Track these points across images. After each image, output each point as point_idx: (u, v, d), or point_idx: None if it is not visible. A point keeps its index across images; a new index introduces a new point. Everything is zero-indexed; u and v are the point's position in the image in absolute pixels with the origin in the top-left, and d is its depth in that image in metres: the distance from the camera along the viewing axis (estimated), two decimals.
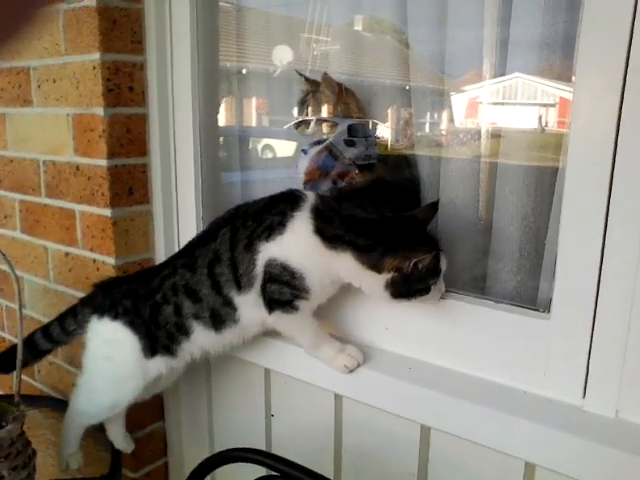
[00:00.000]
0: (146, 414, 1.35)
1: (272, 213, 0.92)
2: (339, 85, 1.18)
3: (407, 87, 1.15)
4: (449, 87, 1.11)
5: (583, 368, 0.79)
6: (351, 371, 0.95)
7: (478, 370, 0.90)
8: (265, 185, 1.37)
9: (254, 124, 1.55)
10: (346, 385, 0.98)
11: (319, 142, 1.17)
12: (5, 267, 1.18)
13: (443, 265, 0.87)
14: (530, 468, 0.82)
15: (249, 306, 0.93)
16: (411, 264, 0.83)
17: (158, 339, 1.00)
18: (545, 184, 0.93)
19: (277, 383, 1.13)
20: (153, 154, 1.24)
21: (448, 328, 0.93)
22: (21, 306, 1.06)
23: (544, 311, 0.84)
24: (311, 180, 1.14)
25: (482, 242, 1.00)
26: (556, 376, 0.82)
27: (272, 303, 0.92)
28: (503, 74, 1.02)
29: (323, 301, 0.94)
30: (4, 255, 1.05)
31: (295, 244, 0.89)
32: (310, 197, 0.92)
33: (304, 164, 1.16)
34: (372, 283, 0.87)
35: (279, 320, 0.94)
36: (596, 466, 0.74)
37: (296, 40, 1.45)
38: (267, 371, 1.14)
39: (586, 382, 0.79)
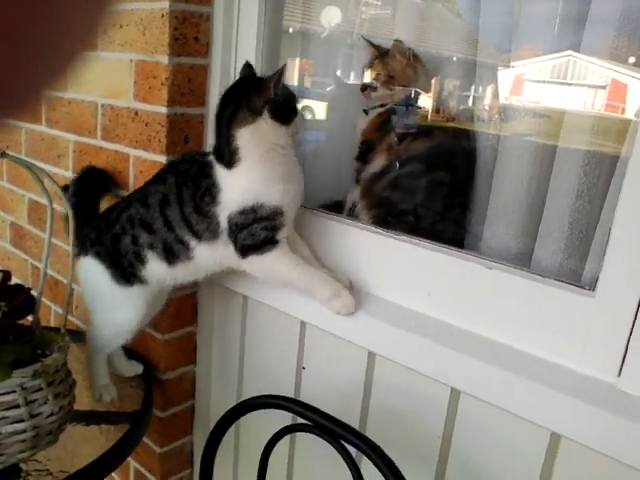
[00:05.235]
0: (179, 357, 1.40)
1: (200, 176, 1.00)
2: (409, 50, 1.19)
3: (454, 58, 1.14)
4: (498, 61, 1.10)
5: (622, 348, 0.81)
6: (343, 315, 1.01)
7: (517, 341, 0.92)
8: (304, 145, 1.38)
9: (296, 83, 1.55)
10: (381, 344, 1.01)
11: (382, 105, 1.18)
12: (59, 207, 1.23)
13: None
14: (555, 438, 0.85)
15: (208, 250, 1.01)
16: (271, 88, 0.95)
17: (124, 268, 1.07)
18: (604, 168, 0.93)
19: (311, 336, 1.16)
20: (211, 106, 1.25)
21: (491, 298, 0.94)
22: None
23: (589, 289, 0.85)
24: (368, 140, 1.16)
25: (532, 218, 1.01)
26: (594, 353, 0.84)
27: (246, 250, 0.99)
28: (556, 51, 1.00)
29: (296, 207, 1.01)
30: (64, 193, 1.08)
31: (230, 183, 0.97)
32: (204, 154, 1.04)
33: (363, 124, 1.18)
34: (269, 129, 0.96)
35: (254, 264, 1.01)
36: (623, 442, 0.76)
37: (345, 2, 1.43)
38: (303, 324, 1.17)
39: (623, 362, 0.81)
